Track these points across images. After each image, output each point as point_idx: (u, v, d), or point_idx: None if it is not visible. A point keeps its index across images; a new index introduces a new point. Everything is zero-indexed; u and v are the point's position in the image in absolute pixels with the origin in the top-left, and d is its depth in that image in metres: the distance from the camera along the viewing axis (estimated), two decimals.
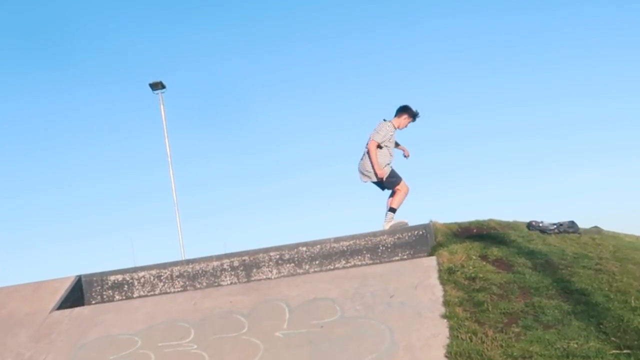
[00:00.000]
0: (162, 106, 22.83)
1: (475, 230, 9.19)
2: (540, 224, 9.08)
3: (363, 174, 9.07)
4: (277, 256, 8.96)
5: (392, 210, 8.90)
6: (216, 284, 9.00)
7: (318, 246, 8.92)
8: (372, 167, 8.78)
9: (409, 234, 8.80)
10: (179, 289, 9.08)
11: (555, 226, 8.98)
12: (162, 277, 9.27)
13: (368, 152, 8.86)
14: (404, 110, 9.02)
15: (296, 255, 8.94)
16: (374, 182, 9.02)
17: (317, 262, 8.88)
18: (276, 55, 39.09)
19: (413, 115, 9.01)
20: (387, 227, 8.85)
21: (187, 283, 9.15)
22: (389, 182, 8.93)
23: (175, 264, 9.41)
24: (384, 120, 8.99)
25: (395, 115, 9.04)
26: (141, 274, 9.34)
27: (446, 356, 5.53)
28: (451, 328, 5.91)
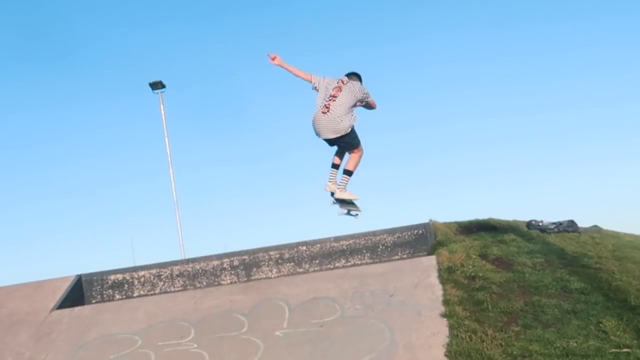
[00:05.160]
0: (162, 106, 22.81)
1: (475, 230, 9.20)
2: (540, 223, 9.08)
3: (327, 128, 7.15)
4: (277, 255, 8.97)
5: (349, 173, 7.18)
6: (216, 283, 9.01)
7: (318, 245, 8.94)
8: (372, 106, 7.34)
9: (409, 233, 8.82)
10: (179, 288, 9.09)
11: (554, 225, 8.98)
12: (162, 277, 9.28)
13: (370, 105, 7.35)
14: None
15: (296, 255, 8.97)
16: (330, 139, 7.23)
17: (317, 261, 8.89)
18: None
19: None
20: (339, 195, 7.10)
21: (187, 282, 9.16)
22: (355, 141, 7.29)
23: (175, 263, 9.43)
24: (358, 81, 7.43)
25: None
26: (141, 273, 9.36)
27: (446, 355, 5.54)
28: (451, 327, 5.92)
